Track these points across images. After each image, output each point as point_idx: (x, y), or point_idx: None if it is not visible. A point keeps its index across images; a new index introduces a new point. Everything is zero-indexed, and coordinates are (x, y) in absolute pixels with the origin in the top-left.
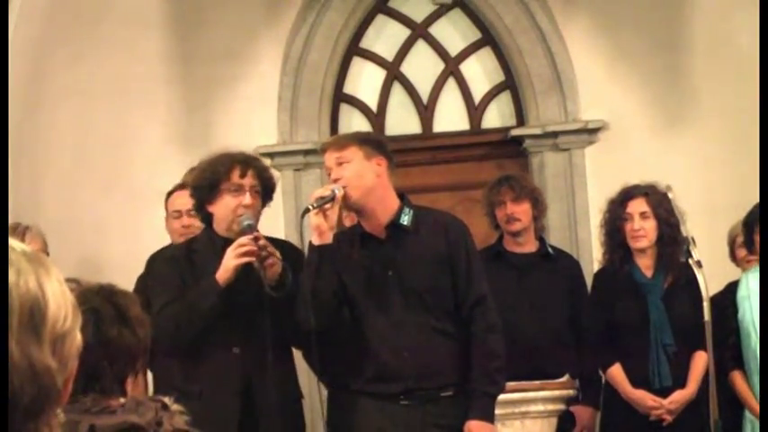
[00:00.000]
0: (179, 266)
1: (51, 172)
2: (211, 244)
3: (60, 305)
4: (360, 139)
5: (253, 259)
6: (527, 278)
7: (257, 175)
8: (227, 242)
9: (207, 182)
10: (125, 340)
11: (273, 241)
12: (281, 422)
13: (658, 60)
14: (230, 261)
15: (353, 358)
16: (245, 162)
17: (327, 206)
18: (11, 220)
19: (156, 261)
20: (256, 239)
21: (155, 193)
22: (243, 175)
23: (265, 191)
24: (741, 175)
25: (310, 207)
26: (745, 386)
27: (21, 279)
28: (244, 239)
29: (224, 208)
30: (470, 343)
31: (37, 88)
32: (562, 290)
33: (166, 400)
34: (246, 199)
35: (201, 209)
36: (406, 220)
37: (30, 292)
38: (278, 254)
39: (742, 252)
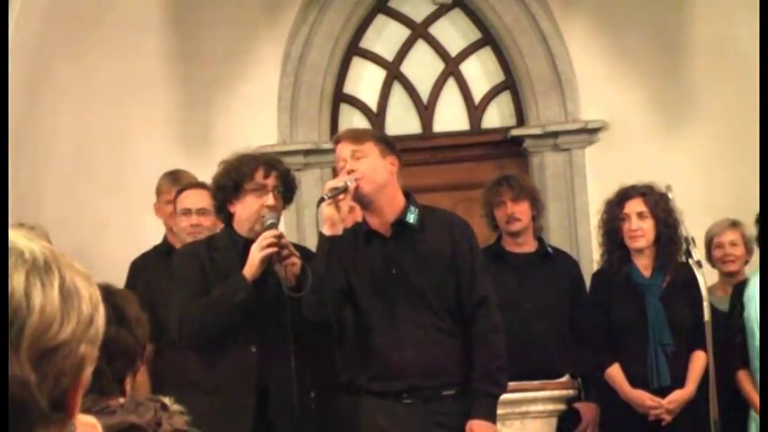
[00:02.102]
0: (201, 264)
1: (51, 172)
2: (233, 243)
3: (51, 316)
4: (376, 137)
5: (276, 249)
6: (526, 278)
7: (280, 176)
8: (249, 242)
9: (231, 182)
10: (123, 341)
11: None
12: (296, 423)
13: (658, 60)
14: (255, 255)
15: (356, 356)
16: (269, 163)
17: (341, 197)
18: (12, 220)
19: (177, 257)
20: (279, 236)
21: (155, 193)
22: (266, 176)
23: (287, 193)
24: (741, 175)
25: (325, 197)
26: (750, 385)
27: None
28: (267, 233)
29: (247, 208)
30: (473, 343)
31: (37, 88)
32: (561, 289)
33: (166, 400)
34: (270, 200)
35: (223, 209)
36: (411, 218)
37: (13, 299)
38: (298, 254)
39: (720, 252)
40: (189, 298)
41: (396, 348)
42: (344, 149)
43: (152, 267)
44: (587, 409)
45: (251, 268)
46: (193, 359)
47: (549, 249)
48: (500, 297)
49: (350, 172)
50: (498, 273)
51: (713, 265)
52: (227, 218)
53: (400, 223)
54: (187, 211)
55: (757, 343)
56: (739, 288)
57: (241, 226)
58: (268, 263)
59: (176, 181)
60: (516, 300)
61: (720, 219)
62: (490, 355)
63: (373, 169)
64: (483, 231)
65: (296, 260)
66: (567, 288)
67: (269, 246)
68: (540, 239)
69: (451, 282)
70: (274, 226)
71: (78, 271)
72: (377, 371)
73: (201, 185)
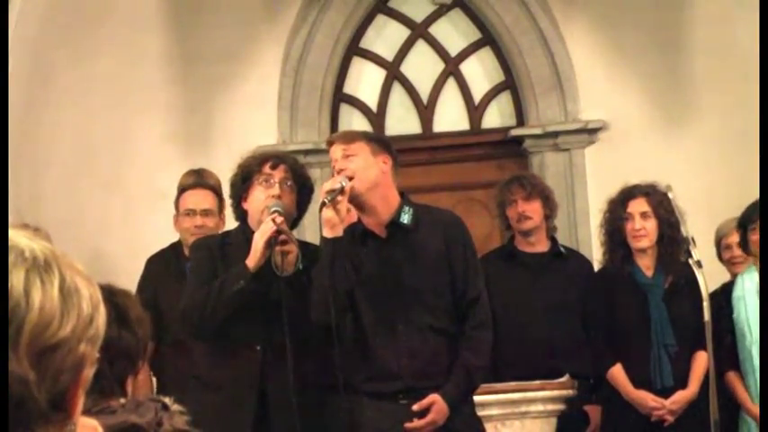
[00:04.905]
0: (213, 256)
1: (51, 172)
2: (245, 239)
3: (51, 314)
4: (368, 136)
5: (275, 229)
6: (539, 278)
7: (290, 169)
8: None
9: (240, 176)
10: (125, 341)
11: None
12: (294, 423)
13: (658, 60)
14: (258, 242)
15: (352, 357)
16: (278, 156)
17: (339, 199)
18: (12, 220)
19: (191, 250)
20: (280, 222)
21: (155, 193)
22: (274, 167)
23: (301, 189)
24: (741, 175)
25: (326, 201)
26: (741, 387)
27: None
28: (268, 218)
29: (255, 201)
30: (460, 339)
31: (37, 88)
32: (573, 289)
33: (167, 400)
34: (274, 189)
35: (238, 207)
36: (405, 218)
37: (12, 297)
38: (295, 240)
39: (728, 254)
40: (195, 287)
41: (391, 349)
42: (336, 150)
43: (165, 265)
44: (596, 412)
45: (254, 255)
46: (199, 355)
47: (561, 249)
48: (512, 297)
49: (339, 172)
50: (511, 273)
51: (725, 265)
52: (242, 216)
53: (395, 224)
54: (191, 212)
55: (748, 344)
56: (726, 290)
57: (252, 221)
58: (270, 251)
59: (201, 179)
60: (528, 299)
61: (722, 218)
62: (473, 351)
63: (364, 168)
64: (483, 231)
65: (293, 248)
66: (578, 288)
67: (268, 230)
68: (553, 239)
69: (446, 280)
70: (278, 213)
71: (79, 271)
72: (373, 372)
73: (204, 185)
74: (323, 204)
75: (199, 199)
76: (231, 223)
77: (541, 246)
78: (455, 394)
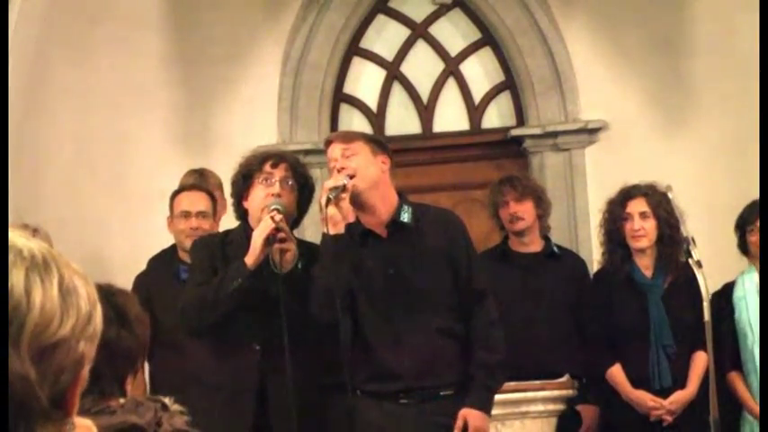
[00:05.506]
0: (213, 255)
1: (51, 172)
2: (245, 238)
3: (51, 313)
4: (366, 136)
5: (273, 227)
6: (533, 278)
7: (291, 168)
8: None
9: (241, 175)
10: (124, 341)
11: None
12: (293, 422)
13: (659, 60)
14: (257, 239)
15: (353, 356)
16: (279, 155)
17: (342, 196)
18: (12, 220)
19: (191, 248)
20: (279, 220)
21: (155, 193)
22: (275, 166)
23: (302, 188)
24: (741, 175)
25: (330, 198)
26: (743, 387)
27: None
28: (267, 216)
29: (255, 200)
30: (472, 337)
31: (37, 88)
32: (567, 289)
33: (166, 400)
34: (274, 188)
35: (239, 206)
36: (406, 217)
37: (13, 296)
38: (293, 239)
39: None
40: (195, 285)
41: (392, 350)
42: (335, 150)
43: (162, 265)
44: (589, 412)
45: (252, 253)
46: (197, 355)
47: (555, 249)
48: (505, 297)
49: (340, 170)
50: (504, 273)
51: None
52: (243, 214)
53: (395, 223)
54: (186, 214)
55: (750, 344)
56: (726, 290)
57: (253, 220)
58: (269, 249)
59: (203, 178)
60: (521, 299)
61: (722, 218)
62: (489, 349)
63: (364, 166)
64: (483, 231)
65: (292, 245)
66: (572, 288)
67: (266, 227)
68: (546, 239)
69: (449, 278)
70: (277, 211)
71: (75, 270)
72: (373, 372)
73: (200, 188)
74: (328, 201)
75: (194, 200)
76: (224, 227)
77: (535, 246)
78: (484, 396)
